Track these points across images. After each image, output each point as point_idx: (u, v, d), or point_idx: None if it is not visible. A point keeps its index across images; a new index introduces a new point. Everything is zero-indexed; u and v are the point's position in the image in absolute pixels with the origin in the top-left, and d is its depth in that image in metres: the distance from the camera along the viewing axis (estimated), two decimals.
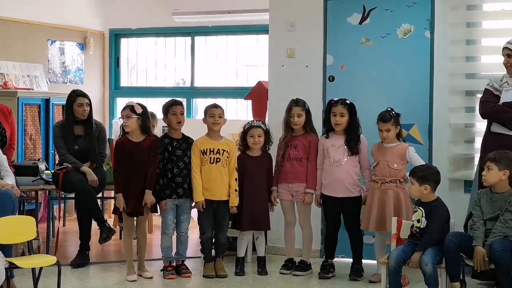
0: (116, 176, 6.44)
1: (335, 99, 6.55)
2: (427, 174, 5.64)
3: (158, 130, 8.47)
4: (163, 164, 6.49)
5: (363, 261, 6.61)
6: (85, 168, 7.01)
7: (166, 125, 6.77)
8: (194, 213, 6.80)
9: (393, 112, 6.33)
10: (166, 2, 10.32)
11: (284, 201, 6.73)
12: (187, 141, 6.60)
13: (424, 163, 6.16)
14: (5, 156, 6.39)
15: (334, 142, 6.51)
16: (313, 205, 6.71)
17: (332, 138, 6.54)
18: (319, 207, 6.73)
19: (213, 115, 6.54)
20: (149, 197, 6.37)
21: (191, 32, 10.59)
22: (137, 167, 6.36)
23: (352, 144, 6.46)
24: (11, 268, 5.29)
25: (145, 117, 6.44)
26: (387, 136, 6.29)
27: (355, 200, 6.49)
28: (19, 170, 7.17)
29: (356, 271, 6.52)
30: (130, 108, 6.36)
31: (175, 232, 6.62)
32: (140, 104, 6.44)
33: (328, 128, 6.59)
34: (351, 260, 6.64)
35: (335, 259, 6.70)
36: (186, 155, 6.54)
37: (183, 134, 6.64)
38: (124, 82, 11.13)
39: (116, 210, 6.53)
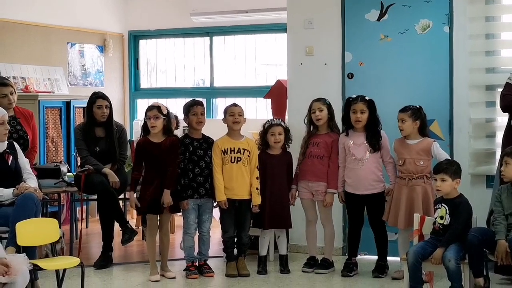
0: (132, 175, 6.49)
1: (353, 96, 6.53)
2: (457, 168, 5.63)
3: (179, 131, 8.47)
4: (184, 164, 6.49)
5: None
6: (107, 170, 7.03)
7: (186, 125, 6.78)
8: (216, 212, 6.80)
9: (414, 105, 6.29)
10: (184, 2, 10.33)
11: (305, 199, 6.71)
12: (207, 141, 6.60)
13: (449, 157, 6.14)
14: (27, 159, 6.41)
15: (355, 140, 6.48)
16: (335, 203, 6.68)
17: (352, 136, 6.51)
18: (342, 203, 6.70)
19: (233, 113, 6.54)
20: (167, 197, 6.37)
21: (209, 32, 10.59)
22: (158, 167, 6.37)
23: (374, 141, 6.43)
24: (35, 270, 5.32)
25: (169, 118, 6.47)
26: (402, 127, 6.26)
27: (379, 196, 6.46)
28: (41, 173, 7.19)
29: (380, 268, 6.50)
30: (157, 108, 6.38)
31: (197, 232, 6.62)
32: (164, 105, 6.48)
33: (347, 126, 6.56)
34: (374, 257, 6.62)
35: (358, 256, 6.67)
36: (207, 154, 6.54)
37: (203, 134, 6.64)
38: (144, 83, 11.15)
39: (139, 210, 6.54)
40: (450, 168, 5.61)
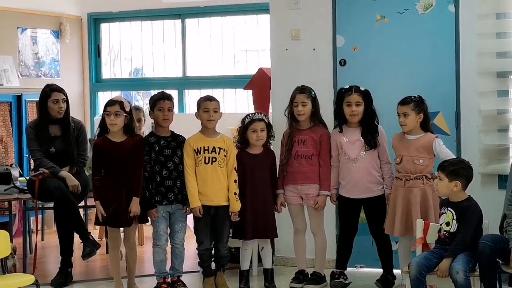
0: (94, 181, 6.43)
1: (346, 86, 6.52)
2: (458, 169, 5.60)
3: (147, 127, 8.46)
4: (150, 166, 6.45)
5: None
6: (64, 172, 7.00)
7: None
8: (190, 221, 6.77)
9: (415, 96, 6.28)
10: None
11: (293, 205, 6.69)
12: (176, 139, 6.56)
13: (454, 156, 6.13)
14: None
15: (348, 136, 6.48)
16: (327, 208, 6.68)
17: (346, 133, 6.51)
18: (334, 204, 6.69)
19: (207, 109, 6.48)
20: (135, 206, 6.33)
21: (181, 13, 10.57)
22: (119, 170, 6.32)
23: (370, 136, 6.43)
24: None
25: (132, 116, 6.45)
26: (404, 122, 6.23)
27: (379, 200, 6.46)
28: None
29: (385, 281, 6.48)
30: (119, 104, 6.34)
31: (168, 243, 6.59)
32: (127, 101, 6.45)
33: (340, 121, 6.55)
34: (372, 270, 6.63)
35: (353, 269, 6.67)
36: (176, 154, 6.50)
37: (172, 131, 6.60)
38: (106, 73, 11.12)
39: (98, 221, 6.49)
40: (449, 167, 5.62)
